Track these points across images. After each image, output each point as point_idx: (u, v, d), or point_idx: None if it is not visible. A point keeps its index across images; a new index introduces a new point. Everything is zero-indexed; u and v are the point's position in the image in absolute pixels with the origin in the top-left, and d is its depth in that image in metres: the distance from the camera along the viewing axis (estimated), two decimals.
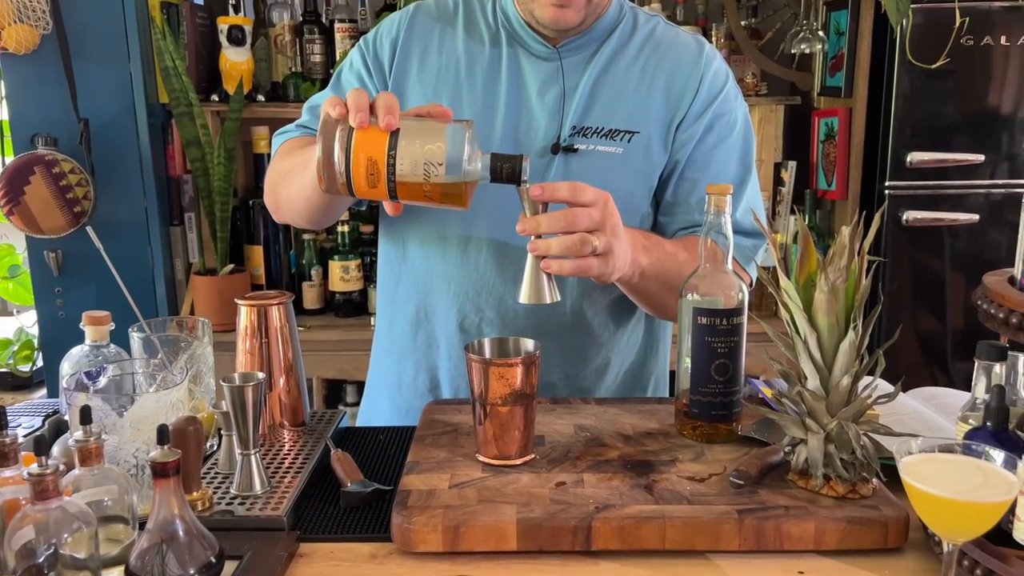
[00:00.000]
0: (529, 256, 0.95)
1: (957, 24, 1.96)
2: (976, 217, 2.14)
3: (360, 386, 2.50)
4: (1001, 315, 0.72)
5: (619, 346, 1.23)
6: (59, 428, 1.06)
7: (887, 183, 2.13)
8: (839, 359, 0.85)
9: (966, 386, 2.33)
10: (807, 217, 2.28)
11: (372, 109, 0.91)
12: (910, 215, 2.13)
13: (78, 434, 0.75)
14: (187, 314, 2.24)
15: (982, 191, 2.14)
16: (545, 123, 1.14)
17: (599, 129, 1.13)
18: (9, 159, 2.09)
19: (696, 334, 0.97)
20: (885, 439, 0.89)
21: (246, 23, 2.21)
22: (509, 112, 1.14)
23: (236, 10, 2.22)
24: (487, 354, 0.97)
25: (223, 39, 2.19)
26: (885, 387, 0.94)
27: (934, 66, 2.01)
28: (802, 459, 0.88)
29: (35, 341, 2.29)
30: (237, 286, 2.22)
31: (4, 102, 2.17)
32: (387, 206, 1.01)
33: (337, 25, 2.28)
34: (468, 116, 1.13)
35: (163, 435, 0.71)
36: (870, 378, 0.88)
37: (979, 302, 0.78)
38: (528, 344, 0.97)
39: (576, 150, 1.13)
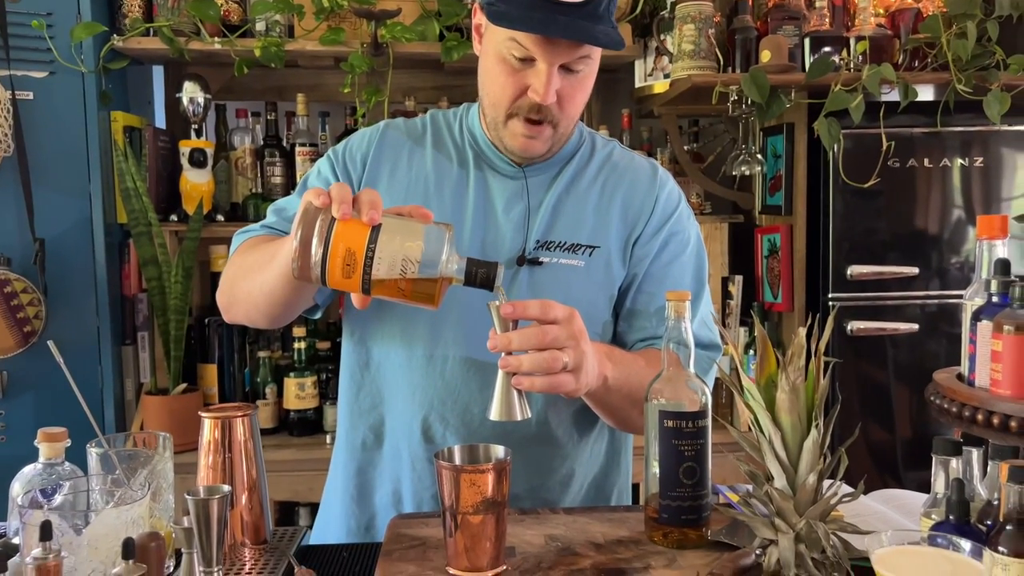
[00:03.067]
0: (500, 373, 0.97)
1: (884, 148, 2.11)
2: (916, 327, 2.23)
3: (313, 508, 2.41)
4: (954, 409, 0.76)
5: (583, 456, 1.24)
6: (7, 552, 1.00)
7: (830, 295, 2.22)
8: (804, 457, 0.87)
9: (921, 490, 2.35)
10: (756, 329, 2.34)
11: (354, 203, 0.94)
12: (854, 325, 2.21)
13: (36, 551, 0.72)
14: None
15: (919, 302, 2.24)
16: (511, 237, 1.18)
17: (562, 243, 1.18)
18: None
19: (663, 438, 0.99)
20: (852, 538, 0.90)
21: (208, 146, 2.26)
22: (476, 226, 1.19)
23: (198, 134, 2.28)
24: (457, 461, 0.97)
25: (184, 161, 2.24)
26: (847, 489, 0.96)
27: (866, 185, 2.14)
28: (774, 560, 0.88)
29: None
30: (189, 406, 2.17)
31: None
32: (355, 298, 1.02)
33: (298, 149, 2.34)
34: None
35: (128, 549, 0.69)
36: (832, 480, 0.90)
37: (931, 398, 0.82)
38: (498, 450, 0.97)
39: (540, 262, 1.17)
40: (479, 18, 1.16)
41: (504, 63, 1.10)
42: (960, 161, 2.23)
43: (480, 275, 0.95)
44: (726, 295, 2.40)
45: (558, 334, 0.96)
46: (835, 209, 2.20)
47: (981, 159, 2.24)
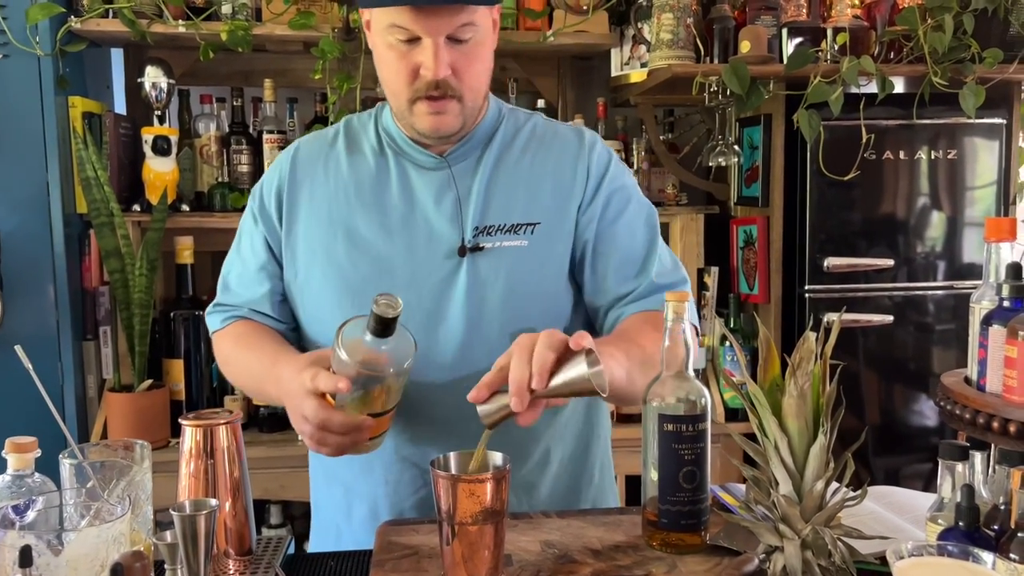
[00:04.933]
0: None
1: (864, 140, 2.11)
2: (890, 318, 2.25)
3: (285, 506, 2.36)
4: (967, 415, 0.74)
5: (556, 434, 1.22)
6: None
7: (807, 287, 2.22)
8: (810, 463, 0.86)
9: (886, 481, 2.37)
10: (731, 320, 2.35)
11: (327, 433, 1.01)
12: (830, 317, 2.22)
13: None
14: (99, 433, 2.09)
15: (894, 293, 2.26)
16: (447, 230, 1.16)
17: (501, 226, 1.16)
18: None
19: (662, 442, 0.97)
20: (857, 543, 0.89)
21: (172, 134, 2.18)
22: (405, 226, 1.17)
23: (161, 120, 2.19)
24: (453, 469, 0.93)
25: (147, 149, 2.15)
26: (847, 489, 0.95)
27: (846, 178, 2.15)
28: (779, 567, 0.87)
29: None
30: (155, 403, 2.10)
31: None
32: None
33: (266, 136, 2.27)
34: (364, 235, 1.17)
35: (117, 575, 0.65)
36: (837, 485, 0.89)
37: (941, 403, 0.80)
38: (497, 458, 0.94)
39: (482, 248, 1.15)
40: (364, 15, 1.16)
41: (393, 49, 1.10)
42: (932, 153, 2.25)
43: (377, 323, 1.00)
44: (701, 286, 2.40)
45: (522, 363, 0.91)
46: (812, 201, 2.20)
47: (953, 152, 2.26)
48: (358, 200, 1.18)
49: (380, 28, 1.10)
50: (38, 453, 0.98)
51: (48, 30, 2.04)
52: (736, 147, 2.29)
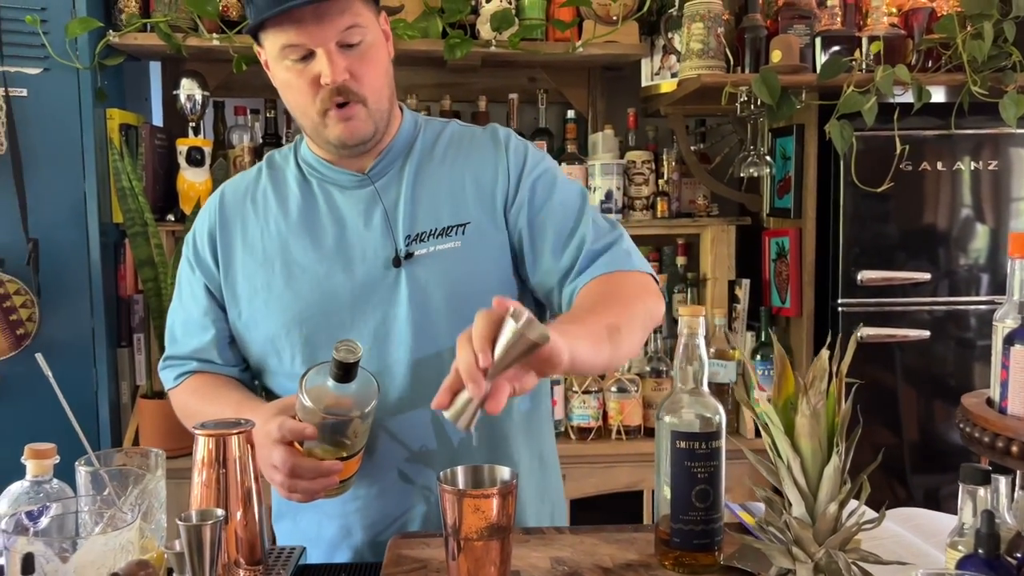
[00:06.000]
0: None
1: (899, 151, 2.06)
2: (927, 333, 2.19)
3: None
4: (986, 439, 0.72)
5: (524, 434, 1.24)
6: None
7: (840, 300, 2.17)
8: (824, 484, 0.83)
9: (925, 501, 2.29)
10: (763, 334, 2.30)
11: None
12: (864, 332, 2.17)
13: None
14: (131, 439, 2.13)
15: (931, 307, 2.20)
16: (380, 244, 1.17)
17: (432, 231, 1.17)
18: None
19: (675, 459, 0.95)
20: (873, 567, 0.86)
21: (206, 145, 2.22)
22: (339, 247, 1.18)
23: (196, 132, 2.23)
24: (460, 484, 0.93)
25: (182, 160, 2.19)
26: (867, 511, 0.92)
27: (880, 190, 2.10)
28: None
29: None
30: None
31: None
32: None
33: None
34: (301, 263, 1.19)
35: None
36: (854, 503, 0.86)
37: (961, 425, 0.78)
38: (504, 472, 0.93)
39: (416, 255, 1.16)
40: (262, 56, 1.18)
41: (290, 71, 1.11)
42: (973, 164, 2.19)
43: (338, 369, 1.02)
44: (733, 299, 2.36)
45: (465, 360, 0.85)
46: (846, 213, 2.15)
47: (995, 162, 2.19)
48: (289, 231, 1.20)
49: (274, 56, 1.12)
50: (56, 459, 0.99)
51: (87, 44, 2.09)
52: (768, 157, 2.26)
